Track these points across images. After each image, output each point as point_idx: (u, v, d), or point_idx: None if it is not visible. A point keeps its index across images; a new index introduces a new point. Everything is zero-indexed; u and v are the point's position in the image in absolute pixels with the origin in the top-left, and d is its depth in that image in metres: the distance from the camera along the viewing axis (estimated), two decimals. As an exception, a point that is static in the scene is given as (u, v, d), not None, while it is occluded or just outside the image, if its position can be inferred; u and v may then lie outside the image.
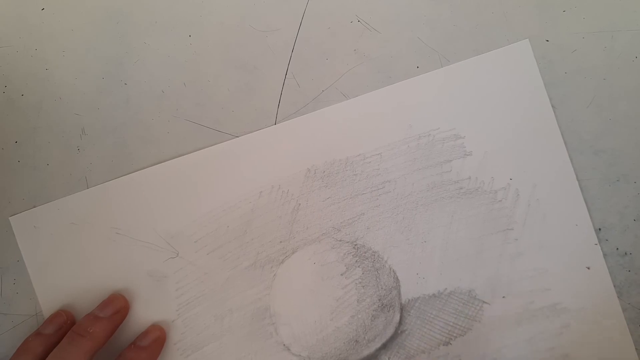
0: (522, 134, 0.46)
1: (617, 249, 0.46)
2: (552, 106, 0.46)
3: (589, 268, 0.45)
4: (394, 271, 0.46)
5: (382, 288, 0.46)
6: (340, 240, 0.47)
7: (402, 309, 0.46)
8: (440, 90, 0.47)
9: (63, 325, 0.46)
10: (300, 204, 0.47)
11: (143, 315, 0.47)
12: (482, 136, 0.47)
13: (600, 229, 0.46)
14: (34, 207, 0.48)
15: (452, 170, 0.47)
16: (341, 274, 0.46)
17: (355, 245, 0.47)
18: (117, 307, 0.46)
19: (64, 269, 0.47)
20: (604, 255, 0.46)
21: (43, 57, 0.49)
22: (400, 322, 0.46)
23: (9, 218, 0.48)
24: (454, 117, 0.47)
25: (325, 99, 0.48)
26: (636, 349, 0.45)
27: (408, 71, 0.48)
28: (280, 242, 0.47)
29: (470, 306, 0.46)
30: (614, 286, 0.46)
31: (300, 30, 0.48)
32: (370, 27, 0.48)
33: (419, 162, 0.47)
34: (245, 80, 0.48)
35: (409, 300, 0.46)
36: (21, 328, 0.47)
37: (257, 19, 0.48)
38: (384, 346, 0.46)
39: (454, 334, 0.46)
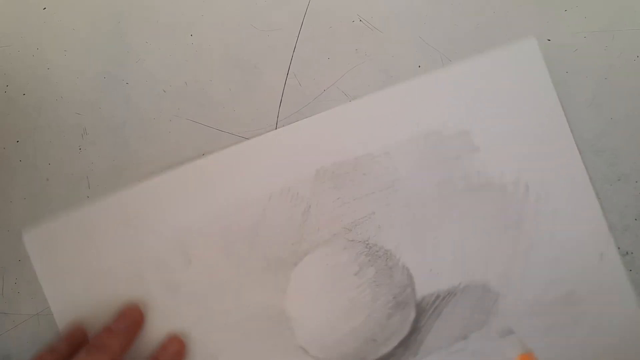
0: (530, 129, 0.47)
1: (618, 248, 0.46)
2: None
3: (601, 255, 0.46)
4: (407, 268, 0.46)
5: (396, 286, 0.46)
6: (352, 240, 0.46)
7: (417, 305, 0.46)
8: (446, 88, 0.47)
9: (79, 343, 0.44)
10: (310, 206, 0.47)
11: (158, 326, 0.46)
12: (489, 132, 0.47)
13: (600, 229, 0.47)
14: (43, 218, 0.46)
15: (460, 166, 0.47)
16: (354, 274, 0.46)
17: (368, 244, 0.46)
18: (132, 318, 0.45)
19: (78, 282, 0.46)
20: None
21: (44, 56, 0.48)
22: (416, 319, 0.46)
23: (22, 231, 0.46)
24: (461, 114, 0.47)
25: (326, 99, 0.48)
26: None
27: (409, 70, 0.48)
28: (292, 244, 0.46)
29: (485, 299, 0.46)
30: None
31: (301, 30, 0.48)
32: (372, 27, 0.48)
33: (428, 159, 0.47)
34: (247, 79, 0.48)
35: (424, 296, 0.46)
36: (22, 327, 0.46)
37: (258, 18, 0.48)
38: (402, 344, 0.46)
39: (471, 328, 0.46)
